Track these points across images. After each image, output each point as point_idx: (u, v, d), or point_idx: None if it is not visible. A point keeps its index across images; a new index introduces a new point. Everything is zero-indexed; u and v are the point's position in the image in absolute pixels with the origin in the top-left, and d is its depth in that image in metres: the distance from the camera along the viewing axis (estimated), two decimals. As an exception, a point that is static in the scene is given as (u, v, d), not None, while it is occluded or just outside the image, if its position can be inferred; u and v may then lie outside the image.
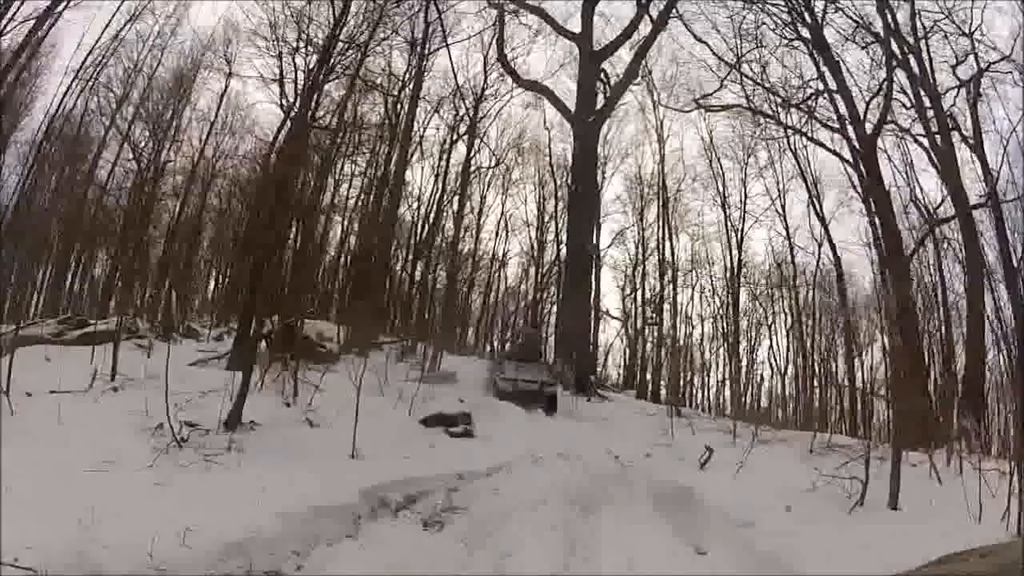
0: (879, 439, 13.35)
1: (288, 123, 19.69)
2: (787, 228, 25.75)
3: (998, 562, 3.43)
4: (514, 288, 31.73)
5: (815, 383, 23.96)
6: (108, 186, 22.99)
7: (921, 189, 20.96)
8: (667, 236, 27.83)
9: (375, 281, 17.62)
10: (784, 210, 25.84)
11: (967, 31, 18.37)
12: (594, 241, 19.80)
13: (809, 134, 21.47)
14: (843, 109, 19.26)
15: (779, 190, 25.87)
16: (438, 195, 24.92)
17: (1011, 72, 18.08)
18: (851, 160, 18.81)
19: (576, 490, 8.22)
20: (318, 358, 13.74)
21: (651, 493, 8.23)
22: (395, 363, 14.76)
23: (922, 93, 18.64)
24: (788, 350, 26.58)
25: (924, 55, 18.65)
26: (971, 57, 18.62)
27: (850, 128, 18.92)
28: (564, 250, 19.81)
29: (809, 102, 20.51)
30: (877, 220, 18.28)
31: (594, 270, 23.02)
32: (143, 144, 23.18)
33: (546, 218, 30.11)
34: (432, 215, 24.64)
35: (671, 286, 27.95)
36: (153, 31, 23.48)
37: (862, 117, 18.93)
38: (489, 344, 28.76)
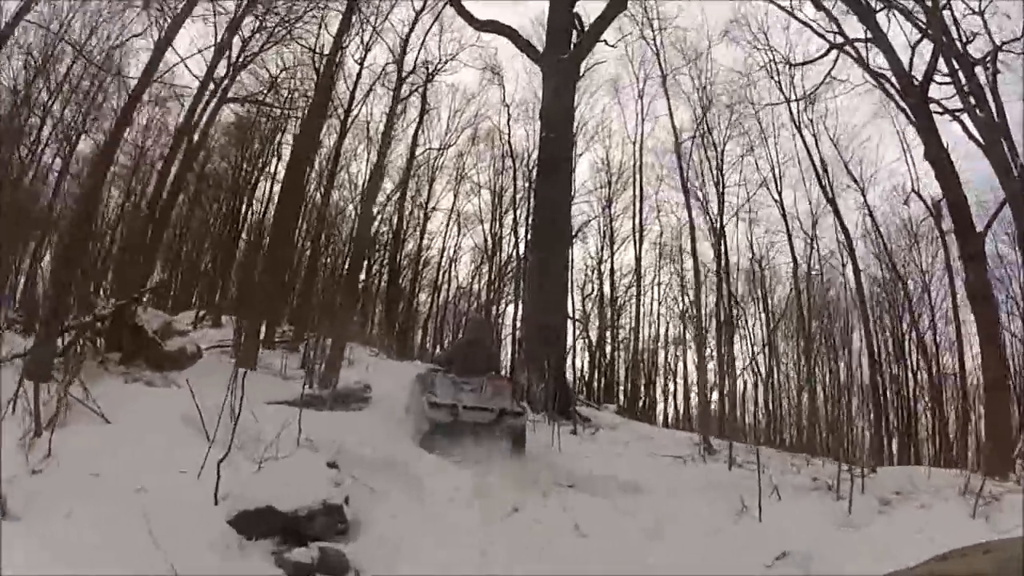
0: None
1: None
2: (784, 214, 21.19)
3: (1001, 558, 3.05)
4: (466, 288, 26.84)
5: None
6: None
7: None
8: (640, 228, 23.05)
9: (274, 264, 12.16)
10: (780, 196, 21.33)
11: (978, 9, 14.85)
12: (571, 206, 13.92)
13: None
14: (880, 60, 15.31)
15: (774, 174, 21.36)
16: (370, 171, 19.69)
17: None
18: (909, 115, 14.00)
19: None
20: (157, 361, 8.55)
21: None
22: (286, 373, 9.50)
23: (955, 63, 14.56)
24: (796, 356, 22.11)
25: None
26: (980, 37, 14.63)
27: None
28: (532, 217, 14.04)
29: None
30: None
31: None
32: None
33: (502, 210, 25.23)
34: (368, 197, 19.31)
35: (635, 285, 23.25)
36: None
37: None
38: (439, 347, 23.53)
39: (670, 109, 12.65)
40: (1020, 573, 2.94)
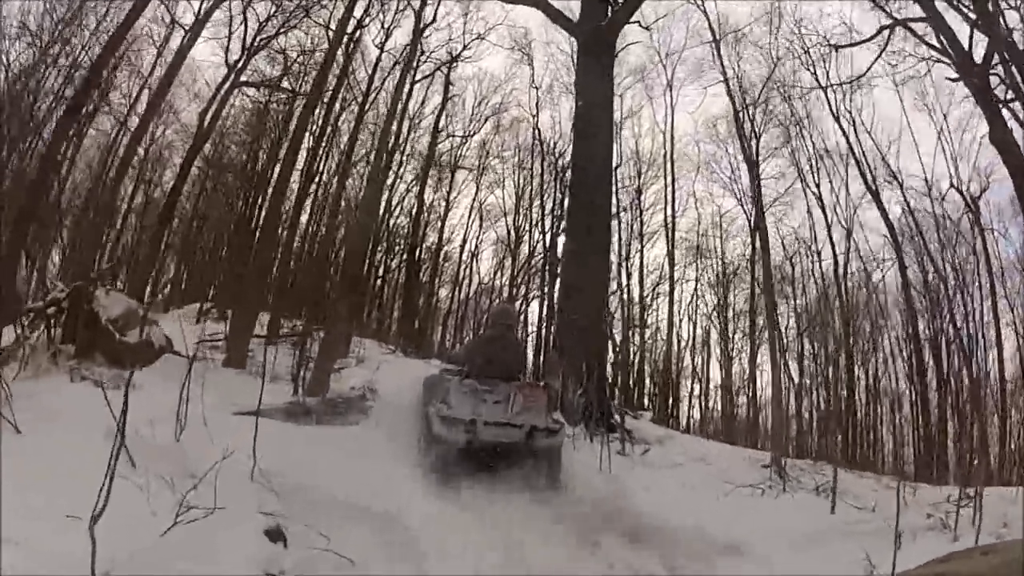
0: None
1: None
2: (823, 206, 19.31)
3: (1000, 560, 2.99)
4: (487, 284, 25.15)
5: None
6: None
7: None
8: (673, 220, 21.19)
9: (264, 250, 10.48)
10: (819, 188, 19.45)
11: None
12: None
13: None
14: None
15: (812, 165, 19.47)
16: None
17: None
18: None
19: None
20: (115, 356, 7.12)
21: None
22: (276, 373, 7.80)
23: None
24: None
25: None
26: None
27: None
28: (567, 197, 11.94)
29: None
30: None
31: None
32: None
33: (524, 204, 23.70)
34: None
35: (668, 281, 21.39)
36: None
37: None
38: (458, 344, 21.85)
39: (724, 75, 10.78)
40: (1020, 574, 2.83)
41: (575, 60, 12.74)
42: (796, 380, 20.02)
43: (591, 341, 9.45)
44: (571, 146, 12.07)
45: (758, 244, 18.55)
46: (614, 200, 13.69)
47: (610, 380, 12.12)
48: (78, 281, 7.41)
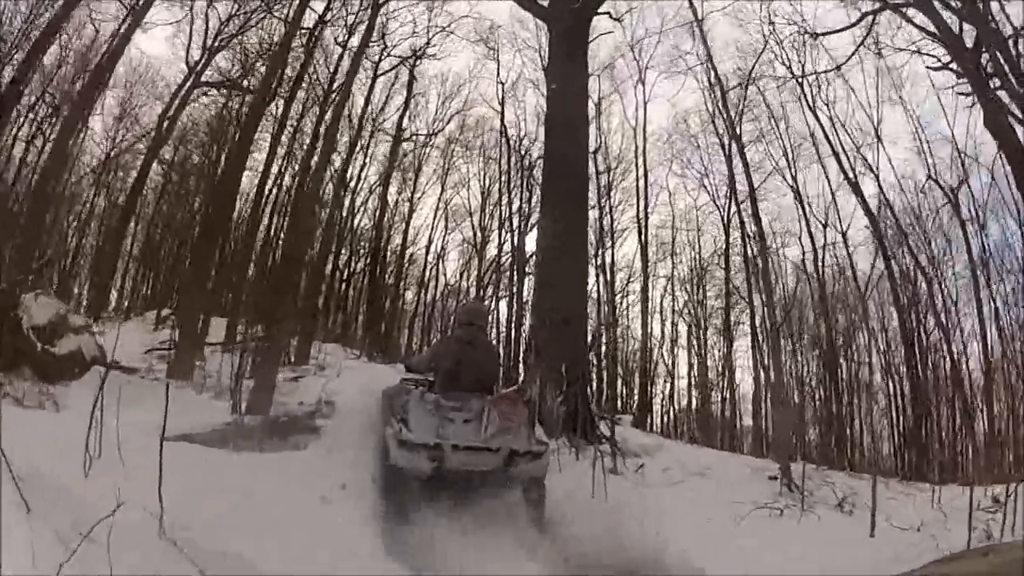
0: None
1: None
2: (800, 199, 18.64)
3: (999, 561, 2.91)
4: (454, 285, 24.16)
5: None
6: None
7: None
8: (645, 215, 20.34)
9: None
10: (796, 179, 18.80)
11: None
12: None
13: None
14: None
15: (787, 157, 18.81)
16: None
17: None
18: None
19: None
20: (42, 369, 5.92)
21: None
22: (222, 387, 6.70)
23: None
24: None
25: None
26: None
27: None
28: (542, 188, 10.68)
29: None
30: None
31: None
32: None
33: (491, 202, 22.81)
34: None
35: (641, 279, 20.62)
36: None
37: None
38: (425, 346, 20.81)
39: (709, 55, 9.87)
40: (1020, 574, 2.76)
41: (547, 48, 11.77)
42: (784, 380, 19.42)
43: (571, 342, 8.44)
44: (543, 137, 11.04)
45: (748, 238, 18.15)
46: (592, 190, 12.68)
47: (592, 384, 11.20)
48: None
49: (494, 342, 17.60)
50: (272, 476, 4.57)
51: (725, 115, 11.37)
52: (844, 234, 18.60)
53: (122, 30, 13.20)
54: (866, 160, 18.09)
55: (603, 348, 19.34)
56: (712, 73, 10.74)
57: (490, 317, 20.08)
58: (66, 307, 7.21)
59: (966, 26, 11.93)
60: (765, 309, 12.37)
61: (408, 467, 4.64)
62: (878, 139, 17.85)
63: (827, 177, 18.60)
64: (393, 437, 4.78)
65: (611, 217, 21.31)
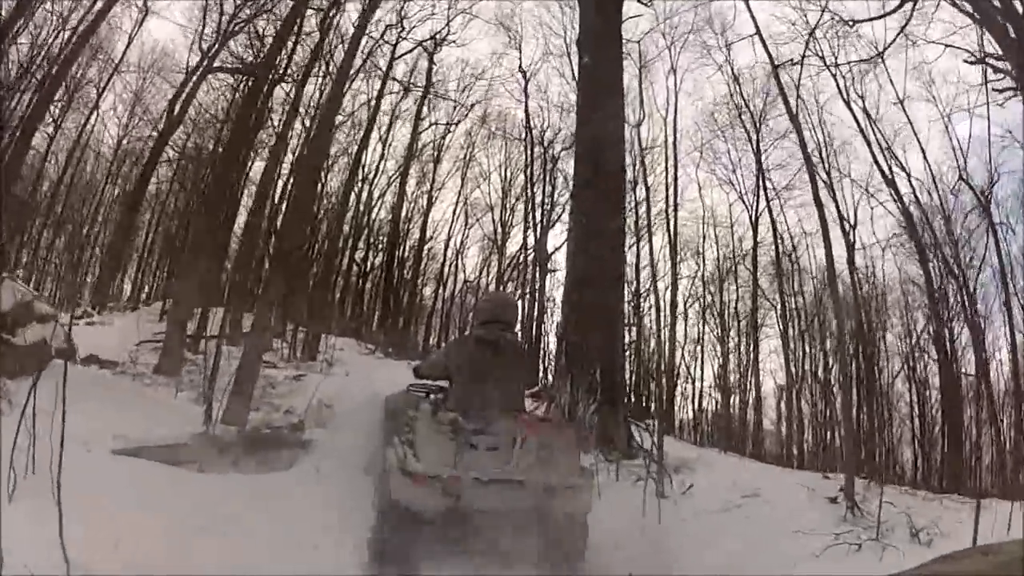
0: None
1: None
2: (834, 195, 17.39)
3: (1000, 560, 2.83)
4: (473, 282, 23.27)
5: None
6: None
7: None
8: (673, 205, 19.30)
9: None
10: (829, 175, 17.58)
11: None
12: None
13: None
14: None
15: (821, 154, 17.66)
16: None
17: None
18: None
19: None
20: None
21: None
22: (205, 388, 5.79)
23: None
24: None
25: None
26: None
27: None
28: (574, 171, 9.72)
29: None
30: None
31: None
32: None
33: (512, 197, 22.14)
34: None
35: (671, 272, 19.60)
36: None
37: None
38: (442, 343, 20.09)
39: (757, 28, 8.82)
40: (1020, 574, 2.69)
41: (571, 32, 10.85)
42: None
43: (605, 344, 7.47)
44: (575, 114, 10.04)
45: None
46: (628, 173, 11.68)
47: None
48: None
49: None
50: (239, 507, 3.63)
51: (779, 89, 10.29)
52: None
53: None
54: (897, 158, 17.20)
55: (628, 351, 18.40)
56: (762, 48, 9.63)
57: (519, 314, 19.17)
58: (33, 293, 6.37)
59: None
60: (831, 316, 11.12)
61: (414, 505, 3.67)
62: (915, 137, 16.82)
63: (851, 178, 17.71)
64: (396, 465, 3.80)
65: (648, 208, 20.41)
